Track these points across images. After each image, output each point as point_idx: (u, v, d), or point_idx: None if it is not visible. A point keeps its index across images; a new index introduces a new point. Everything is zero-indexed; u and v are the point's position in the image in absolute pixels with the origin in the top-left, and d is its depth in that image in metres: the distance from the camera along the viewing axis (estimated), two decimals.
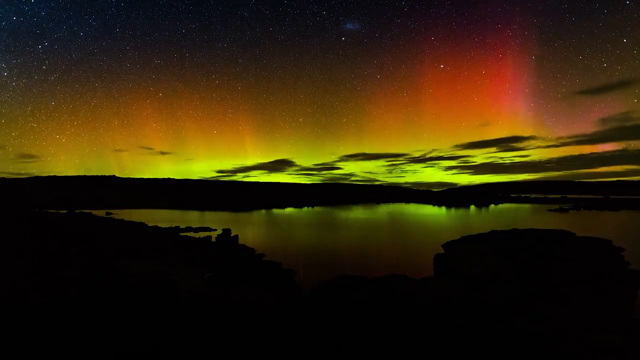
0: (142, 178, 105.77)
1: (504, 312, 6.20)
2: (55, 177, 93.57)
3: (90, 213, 27.07)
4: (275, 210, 42.83)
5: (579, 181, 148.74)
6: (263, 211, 41.64)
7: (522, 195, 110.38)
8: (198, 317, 5.44)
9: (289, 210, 44.32)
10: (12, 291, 6.19)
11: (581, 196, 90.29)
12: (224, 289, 7.47)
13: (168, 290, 7.12)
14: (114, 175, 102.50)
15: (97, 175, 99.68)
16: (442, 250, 11.58)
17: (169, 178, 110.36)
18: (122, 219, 24.03)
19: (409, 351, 4.53)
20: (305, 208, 48.63)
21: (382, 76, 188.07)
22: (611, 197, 66.10)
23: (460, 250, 9.58)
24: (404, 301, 6.71)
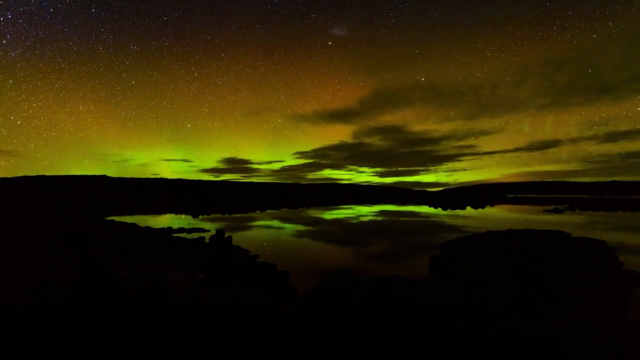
0: (133, 178, 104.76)
1: (501, 312, 6.18)
2: (44, 176, 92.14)
3: (80, 214, 26.60)
4: (270, 211, 42.63)
5: (574, 181, 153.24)
6: (257, 211, 41.41)
7: (518, 195, 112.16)
8: (192, 318, 5.35)
9: (283, 210, 44.14)
10: None
11: (576, 196, 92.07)
12: (218, 290, 7.35)
13: (161, 291, 6.98)
14: (105, 175, 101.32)
15: (87, 175, 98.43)
16: (438, 251, 11.59)
17: (161, 178, 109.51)
18: (114, 219, 23.65)
19: (408, 351, 4.49)
20: (300, 208, 48.50)
21: (365, 84, 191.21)
22: (606, 197, 67.30)
23: (457, 251, 9.56)
24: (402, 302, 6.66)
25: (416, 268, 10.61)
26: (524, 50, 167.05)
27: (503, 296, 7.03)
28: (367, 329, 5.19)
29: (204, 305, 6.18)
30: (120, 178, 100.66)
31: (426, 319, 5.68)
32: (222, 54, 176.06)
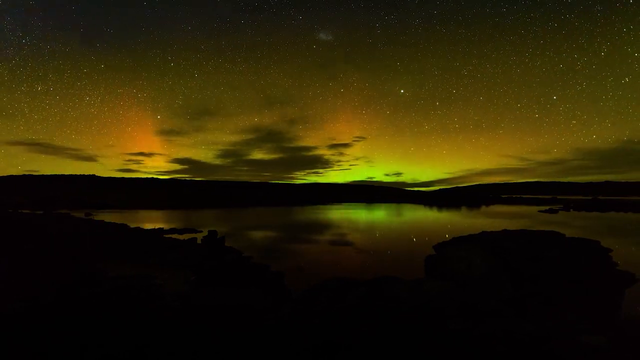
0: (123, 177, 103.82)
1: (495, 313, 6.15)
2: (31, 175, 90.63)
3: (69, 214, 26.13)
4: (264, 211, 42.40)
5: (568, 182, 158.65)
6: (251, 211, 41.16)
7: (513, 196, 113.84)
8: (183, 321, 5.23)
9: (277, 210, 43.92)
10: None
11: (571, 197, 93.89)
12: (210, 292, 7.22)
13: (151, 293, 6.82)
14: (94, 175, 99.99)
15: (76, 175, 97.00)
16: (433, 252, 11.56)
17: (153, 177, 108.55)
18: (102, 220, 23.22)
19: (402, 353, 4.45)
20: (295, 208, 48.31)
21: (346, 90, 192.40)
22: (599, 197, 68.68)
23: (451, 251, 9.53)
24: (395, 303, 6.59)
25: (410, 269, 10.55)
26: (497, 72, 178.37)
27: (497, 297, 7.01)
28: (361, 330, 5.13)
29: (196, 307, 6.06)
30: (110, 178, 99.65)
31: (420, 320, 5.63)
32: (202, 46, 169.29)
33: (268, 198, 74.66)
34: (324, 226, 24.87)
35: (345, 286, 7.54)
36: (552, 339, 4.96)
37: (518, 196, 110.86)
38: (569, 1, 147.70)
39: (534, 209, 45.82)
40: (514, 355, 4.49)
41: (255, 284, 8.31)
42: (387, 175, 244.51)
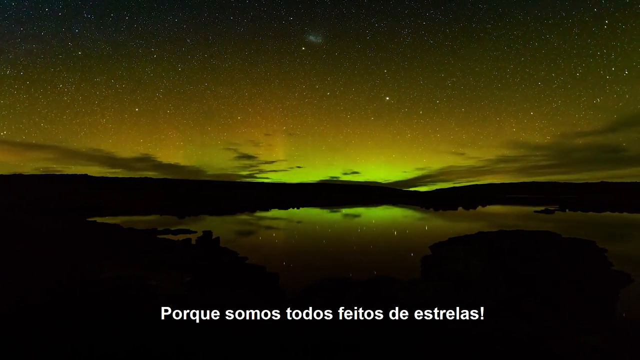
0: (116, 177, 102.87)
1: (492, 313, 6.15)
2: (22, 175, 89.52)
3: (62, 214, 25.82)
4: (259, 212, 42.23)
5: (564, 182, 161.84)
6: (247, 212, 40.99)
7: (510, 196, 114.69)
8: (178, 323, 5.15)
9: (273, 212, 43.77)
10: None
11: (567, 197, 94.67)
12: (205, 293, 7.14)
13: (148, 294, 6.74)
14: (87, 174, 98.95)
15: (69, 174, 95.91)
16: (429, 252, 11.58)
17: (147, 177, 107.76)
18: (95, 221, 22.99)
19: (399, 353, 4.42)
20: (291, 209, 48.17)
21: (332, 94, 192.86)
22: (597, 198, 69.25)
23: (448, 251, 9.55)
24: (392, 304, 6.58)
25: (407, 269, 10.53)
26: (479, 85, 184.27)
27: (494, 297, 7.01)
28: (358, 330, 5.10)
29: (190, 309, 5.98)
30: (103, 178, 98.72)
31: (416, 320, 5.61)
32: (188, 40, 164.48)
33: (258, 198, 74.42)
34: (321, 227, 24.82)
35: (343, 286, 7.53)
36: (550, 339, 4.96)
37: (514, 196, 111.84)
38: (550, 22, 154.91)
39: (530, 209, 46.00)
40: (512, 355, 4.48)
41: (251, 284, 8.24)
42: (345, 174, 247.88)
